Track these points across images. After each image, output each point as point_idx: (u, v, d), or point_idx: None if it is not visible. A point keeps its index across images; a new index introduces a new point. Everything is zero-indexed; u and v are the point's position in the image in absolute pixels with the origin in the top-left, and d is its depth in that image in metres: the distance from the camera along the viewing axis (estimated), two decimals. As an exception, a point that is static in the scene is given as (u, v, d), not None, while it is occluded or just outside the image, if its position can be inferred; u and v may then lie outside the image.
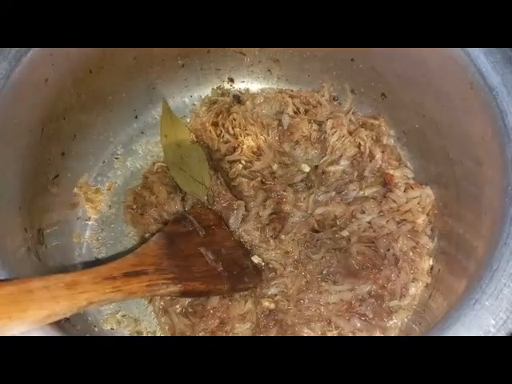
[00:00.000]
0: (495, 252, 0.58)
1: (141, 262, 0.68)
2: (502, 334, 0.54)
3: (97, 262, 0.88)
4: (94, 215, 0.93)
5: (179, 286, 0.70)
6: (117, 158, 0.98)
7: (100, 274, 0.61)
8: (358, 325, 0.80)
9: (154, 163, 0.96)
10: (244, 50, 0.98)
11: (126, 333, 0.84)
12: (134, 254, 0.69)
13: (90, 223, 0.92)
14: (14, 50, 0.69)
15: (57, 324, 0.58)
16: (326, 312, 0.81)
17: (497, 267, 0.57)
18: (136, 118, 1.00)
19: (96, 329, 0.83)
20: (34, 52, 0.70)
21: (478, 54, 0.70)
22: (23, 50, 0.69)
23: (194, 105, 1.03)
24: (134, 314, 0.86)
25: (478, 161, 0.71)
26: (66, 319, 0.71)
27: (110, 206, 0.94)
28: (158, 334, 0.84)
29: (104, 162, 0.97)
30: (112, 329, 0.84)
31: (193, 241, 0.81)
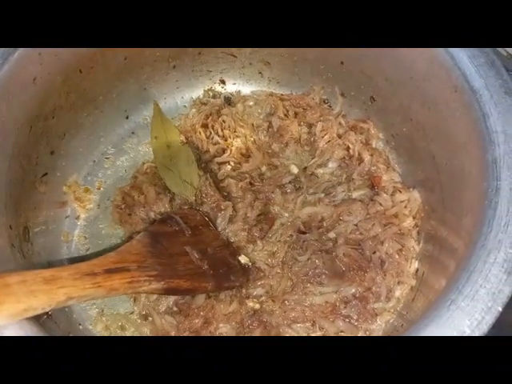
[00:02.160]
0: (473, 253, 0.58)
1: (123, 259, 0.68)
2: (477, 335, 0.53)
3: (84, 261, 0.88)
4: (82, 214, 0.93)
5: (162, 283, 0.71)
6: (107, 158, 0.98)
7: (80, 270, 0.61)
8: (342, 326, 0.80)
9: (143, 163, 0.97)
10: (235, 52, 0.99)
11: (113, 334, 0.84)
12: (116, 252, 0.69)
13: (78, 222, 0.93)
14: (1, 48, 0.69)
15: (37, 321, 0.58)
16: (310, 313, 0.81)
17: (473, 268, 0.57)
18: (127, 118, 1.00)
19: (81, 327, 0.83)
20: (21, 51, 0.71)
21: (462, 57, 0.70)
22: (11, 48, 0.70)
23: (185, 106, 1.03)
24: (120, 314, 0.85)
25: (461, 164, 0.71)
26: (48, 316, 0.72)
27: (99, 205, 0.94)
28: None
29: (94, 161, 0.97)
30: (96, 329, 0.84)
31: (178, 240, 0.81)
